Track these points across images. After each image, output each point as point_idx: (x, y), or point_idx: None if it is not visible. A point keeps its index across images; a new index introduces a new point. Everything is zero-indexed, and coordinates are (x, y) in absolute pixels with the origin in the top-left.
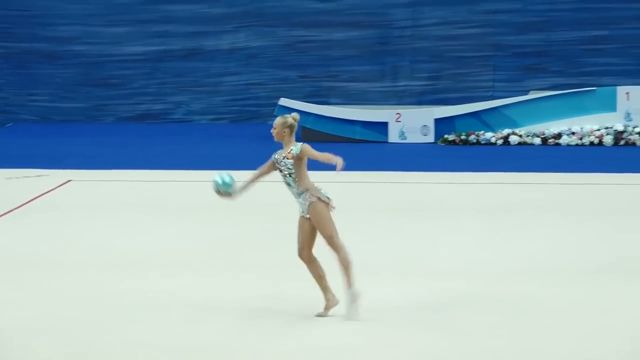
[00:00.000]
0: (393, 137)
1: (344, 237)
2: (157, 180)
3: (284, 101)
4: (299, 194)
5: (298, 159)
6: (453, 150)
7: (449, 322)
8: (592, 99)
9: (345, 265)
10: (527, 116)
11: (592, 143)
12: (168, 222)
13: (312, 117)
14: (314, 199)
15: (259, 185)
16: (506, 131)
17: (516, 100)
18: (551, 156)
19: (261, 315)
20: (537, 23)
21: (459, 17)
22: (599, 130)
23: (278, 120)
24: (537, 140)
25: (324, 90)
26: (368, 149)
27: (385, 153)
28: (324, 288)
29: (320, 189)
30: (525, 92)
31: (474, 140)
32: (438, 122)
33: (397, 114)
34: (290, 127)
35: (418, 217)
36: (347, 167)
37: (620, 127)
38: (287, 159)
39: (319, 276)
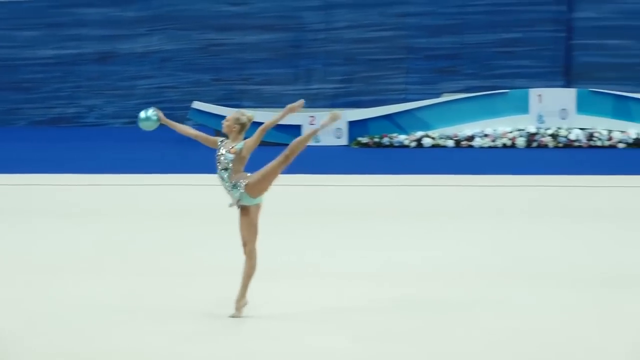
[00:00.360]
0: None
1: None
2: (71, 184)
3: (197, 104)
4: (232, 187)
5: (241, 156)
6: (366, 153)
7: (354, 324)
8: (505, 101)
9: (250, 274)
10: (440, 119)
11: (504, 145)
12: (80, 226)
13: None
14: (246, 181)
15: (176, 190)
16: (419, 134)
17: (429, 103)
18: (464, 158)
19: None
20: (450, 26)
21: (372, 20)
22: (511, 132)
23: (233, 115)
24: (450, 143)
25: (237, 93)
26: (280, 152)
27: (299, 156)
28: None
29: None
30: (438, 95)
31: (388, 143)
32: (351, 125)
33: (311, 117)
34: (242, 125)
35: (331, 220)
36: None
37: (532, 129)
38: (229, 152)
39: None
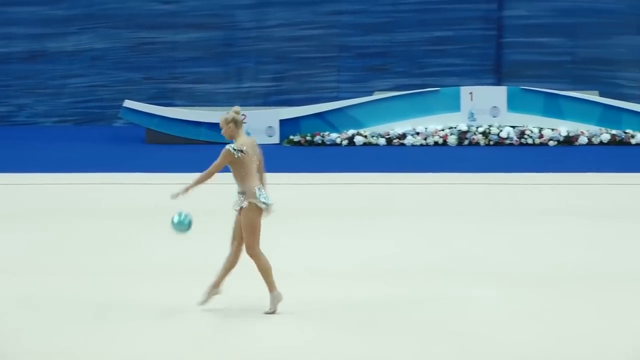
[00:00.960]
0: None
1: (184, 240)
2: (3, 183)
3: (128, 103)
4: (239, 192)
5: (245, 159)
6: (298, 151)
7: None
8: (436, 99)
9: (266, 270)
10: (372, 117)
11: (436, 143)
12: (14, 227)
13: (157, 119)
14: (245, 204)
15: (107, 189)
16: (351, 132)
17: (361, 101)
18: (396, 156)
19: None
20: (381, 24)
21: (303, 18)
22: (443, 130)
23: (220, 119)
24: (382, 141)
25: (169, 92)
26: (214, 151)
27: None
28: (221, 277)
29: (259, 194)
30: (370, 93)
31: (319, 141)
32: (283, 123)
33: (243, 115)
34: (233, 120)
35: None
36: (192, 170)
37: (464, 127)
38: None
39: (227, 269)
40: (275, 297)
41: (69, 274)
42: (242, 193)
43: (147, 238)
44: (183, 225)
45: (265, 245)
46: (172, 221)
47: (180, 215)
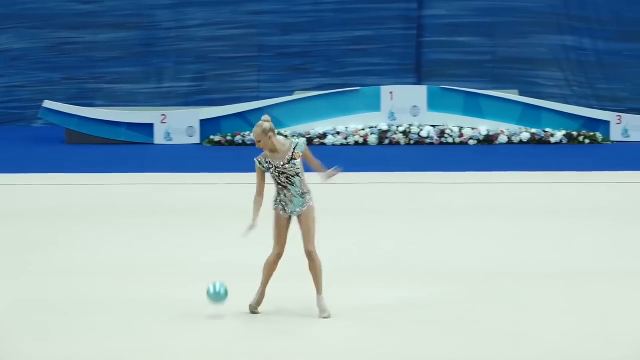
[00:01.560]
0: (159, 138)
1: (103, 240)
2: None
3: (48, 103)
4: (300, 194)
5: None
6: (219, 151)
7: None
8: (357, 98)
9: (320, 270)
10: (293, 116)
11: (357, 143)
12: None
13: (77, 119)
14: (312, 203)
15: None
16: None
17: (281, 101)
18: (316, 156)
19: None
20: (302, 24)
21: (224, 18)
22: (363, 129)
23: (256, 131)
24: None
25: (89, 92)
26: (134, 151)
27: (151, 155)
28: (264, 285)
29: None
30: (290, 93)
31: (240, 141)
32: (204, 123)
33: (163, 115)
34: (272, 130)
35: (182, 219)
36: (112, 170)
37: (384, 127)
38: (295, 159)
39: (269, 274)
40: (322, 300)
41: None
42: (307, 193)
43: (66, 239)
44: (220, 295)
45: (186, 244)
46: (208, 292)
47: (214, 286)
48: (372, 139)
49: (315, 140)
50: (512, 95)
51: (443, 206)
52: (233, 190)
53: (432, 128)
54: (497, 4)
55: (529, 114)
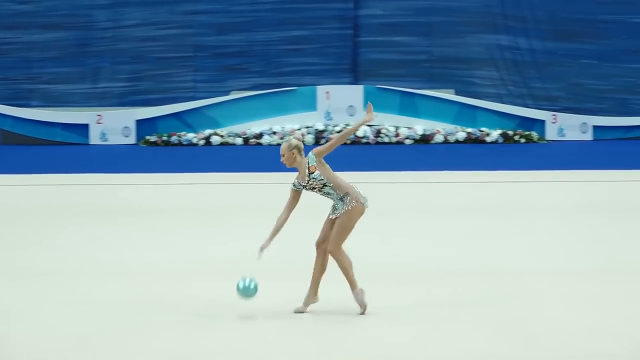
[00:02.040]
0: (94, 139)
1: (26, 242)
2: None
3: None
4: (340, 199)
5: (320, 165)
6: (155, 151)
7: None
8: (293, 98)
9: (347, 268)
10: (229, 116)
11: None
12: None
13: (11, 119)
14: (355, 204)
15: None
16: (208, 132)
17: (217, 101)
18: (253, 156)
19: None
20: (238, 24)
21: (160, 18)
22: (300, 129)
23: (283, 146)
24: (239, 141)
25: (25, 93)
26: (69, 151)
27: (87, 155)
28: (316, 283)
29: (358, 190)
30: (227, 93)
31: (176, 141)
32: (139, 123)
33: (98, 115)
34: (297, 147)
35: (118, 219)
36: (48, 170)
37: (320, 126)
38: (312, 172)
39: (320, 270)
40: (359, 294)
41: None
42: (346, 195)
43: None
44: (249, 290)
45: (130, 243)
46: (238, 287)
47: (244, 280)
48: (309, 139)
49: (251, 140)
50: (448, 95)
51: (380, 205)
52: (169, 191)
53: (368, 128)
54: (433, 3)
55: (464, 114)
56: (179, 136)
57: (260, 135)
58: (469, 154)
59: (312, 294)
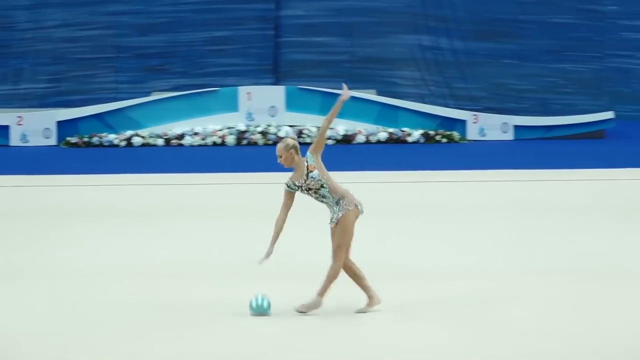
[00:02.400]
0: (15, 140)
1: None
2: None
3: None
4: (335, 203)
5: (319, 164)
6: (76, 152)
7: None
8: (215, 99)
9: (333, 276)
10: (150, 117)
11: (215, 143)
12: None
13: None
14: (351, 207)
15: None
16: (129, 133)
17: (139, 102)
18: (174, 157)
19: None
20: (160, 24)
21: (81, 18)
22: (221, 130)
23: (279, 147)
24: (160, 141)
25: None
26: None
27: (7, 156)
28: (365, 287)
29: (353, 194)
30: (148, 94)
31: (97, 143)
32: (61, 124)
33: (19, 117)
34: (294, 147)
35: (41, 221)
36: None
37: (242, 127)
38: (311, 171)
39: (358, 277)
40: (316, 302)
41: None
42: (341, 198)
43: None
44: (262, 309)
45: (45, 245)
46: (251, 306)
47: (257, 299)
48: (230, 140)
49: (172, 141)
50: (370, 95)
51: (303, 207)
52: (89, 192)
53: (290, 128)
54: (354, 4)
55: (386, 114)
56: (100, 137)
57: (181, 136)
58: (391, 154)
59: (371, 296)
